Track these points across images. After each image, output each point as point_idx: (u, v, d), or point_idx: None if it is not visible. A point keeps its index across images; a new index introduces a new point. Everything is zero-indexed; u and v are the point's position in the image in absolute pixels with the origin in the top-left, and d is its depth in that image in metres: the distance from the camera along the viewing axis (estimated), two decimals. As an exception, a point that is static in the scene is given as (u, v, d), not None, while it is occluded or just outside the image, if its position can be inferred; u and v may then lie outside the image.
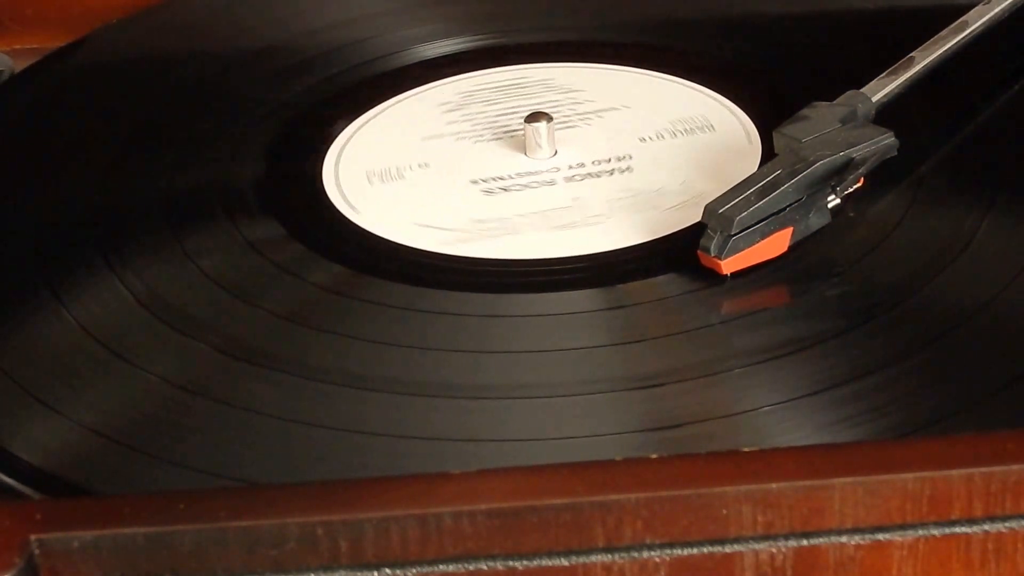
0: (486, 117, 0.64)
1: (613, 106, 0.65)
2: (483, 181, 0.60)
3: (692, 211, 0.57)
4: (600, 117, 0.64)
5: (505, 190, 0.60)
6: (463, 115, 0.65)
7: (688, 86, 0.65)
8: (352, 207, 0.59)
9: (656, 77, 0.66)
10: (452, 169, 0.61)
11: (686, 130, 0.63)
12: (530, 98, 0.65)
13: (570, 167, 0.61)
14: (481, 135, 0.63)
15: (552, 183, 0.60)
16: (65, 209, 0.61)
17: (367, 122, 0.65)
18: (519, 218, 0.58)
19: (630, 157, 0.61)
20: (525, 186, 0.60)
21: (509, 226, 0.57)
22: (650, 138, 0.62)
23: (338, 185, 0.61)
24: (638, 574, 0.40)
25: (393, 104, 0.66)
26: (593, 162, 0.61)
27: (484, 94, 0.66)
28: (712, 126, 0.63)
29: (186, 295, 0.55)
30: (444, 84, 0.67)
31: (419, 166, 0.62)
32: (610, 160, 0.61)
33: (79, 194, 0.61)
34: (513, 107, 0.65)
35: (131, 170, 0.63)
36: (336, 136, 0.64)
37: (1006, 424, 0.46)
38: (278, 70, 0.69)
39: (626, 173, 0.60)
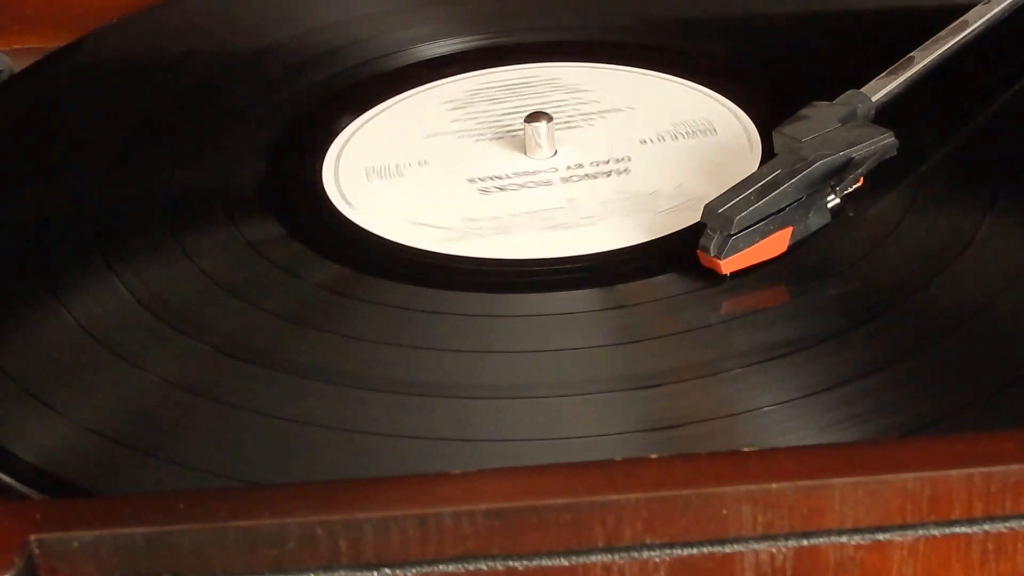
0: (486, 117, 0.64)
1: (613, 106, 0.65)
2: (482, 180, 0.60)
3: (692, 211, 0.57)
4: (600, 117, 0.64)
5: (504, 190, 0.60)
6: (463, 114, 0.65)
7: (688, 86, 0.65)
8: (352, 207, 0.59)
9: (657, 77, 0.66)
10: (451, 168, 0.61)
11: (686, 130, 0.62)
12: (530, 98, 0.65)
13: (569, 167, 0.61)
14: (481, 134, 0.63)
15: (551, 183, 0.60)
16: (64, 208, 0.60)
17: (367, 122, 0.65)
18: (518, 218, 0.58)
19: (630, 158, 0.61)
20: (524, 186, 0.60)
21: (507, 226, 0.57)
22: (650, 138, 0.62)
23: (338, 185, 0.61)
24: (638, 574, 0.40)
25: (393, 104, 0.66)
26: (593, 162, 0.61)
27: (483, 94, 0.66)
28: (712, 126, 0.63)
29: (186, 295, 0.55)
30: (444, 84, 0.67)
31: (419, 165, 0.62)
32: (609, 160, 0.61)
33: (78, 193, 0.61)
34: (513, 107, 0.65)
35: (131, 170, 0.63)
36: (336, 136, 0.64)
37: (1006, 424, 0.46)
38: (278, 70, 0.69)
39: (625, 173, 0.60)
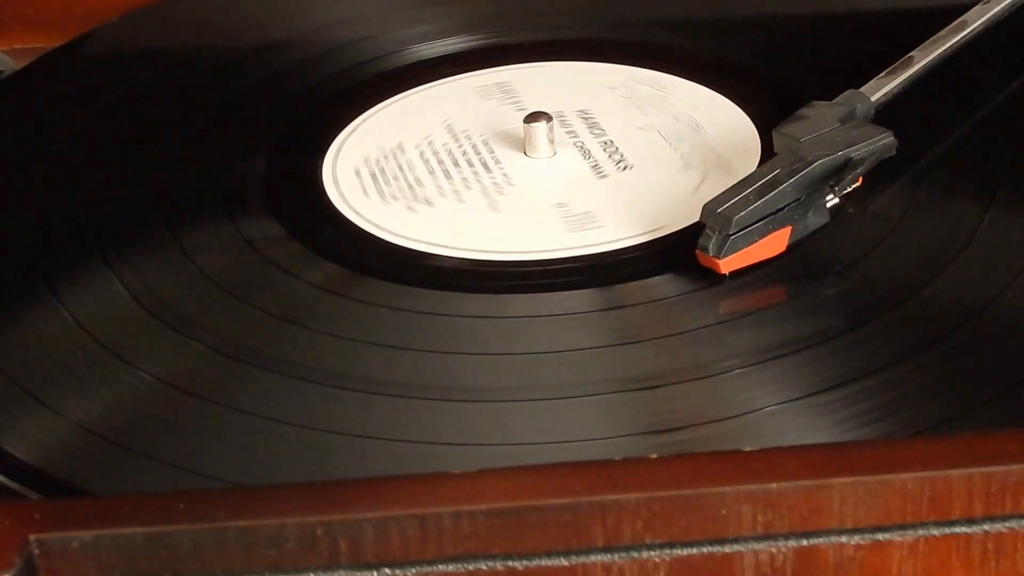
0: (485, 116, 0.64)
1: (613, 105, 0.65)
2: (481, 180, 0.60)
3: (691, 210, 0.57)
4: (600, 116, 0.64)
5: (503, 189, 0.60)
6: (462, 114, 0.65)
7: (689, 85, 0.65)
8: (350, 206, 0.59)
9: (656, 76, 0.66)
10: (450, 168, 0.61)
11: (686, 129, 0.62)
12: (530, 98, 0.65)
13: (568, 167, 0.61)
14: (480, 134, 0.63)
15: (550, 183, 0.60)
16: (63, 206, 0.61)
17: (366, 121, 0.65)
18: (517, 217, 0.58)
19: (629, 157, 0.61)
20: (523, 186, 0.60)
21: (506, 225, 0.57)
22: (650, 137, 0.62)
23: (336, 184, 0.61)
24: (638, 574, 0.40)
25: (392, 103, 0.66)
26: (591, 161, 0.61)
27: (483, 93, 0.66)
28: (712, 126, 0.63)
29: (184, 294, 0.55)
30: (443, 83, 0.67)
31: (418, 164, 0.62)
32: (608, 159, 0.61)
33: (77, 192, 0.61)
34: (513, 106, 0.65)
35: (130, 168, 0.63)
36: (335, 135, 0.64)
37: (1006, 424, 0.46)
38: (277, 69, 0.69)
39: (625, 172, 0.60)
